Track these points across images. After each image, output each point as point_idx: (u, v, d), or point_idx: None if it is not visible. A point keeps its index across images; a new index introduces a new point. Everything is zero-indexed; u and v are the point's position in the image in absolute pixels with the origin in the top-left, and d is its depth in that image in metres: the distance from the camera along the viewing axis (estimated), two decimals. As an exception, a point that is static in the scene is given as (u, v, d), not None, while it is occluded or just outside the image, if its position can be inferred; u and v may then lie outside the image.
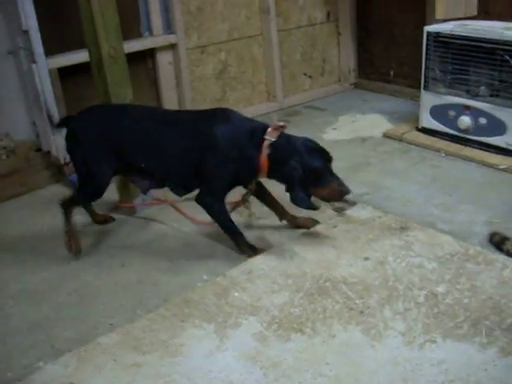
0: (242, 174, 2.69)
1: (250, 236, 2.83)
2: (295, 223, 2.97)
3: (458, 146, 3.74)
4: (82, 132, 2.78)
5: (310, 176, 2.60)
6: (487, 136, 3.61)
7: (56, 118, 3.30)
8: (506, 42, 3.35)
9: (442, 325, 2.18)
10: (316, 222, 2.97)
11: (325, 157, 2.66)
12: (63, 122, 2.93)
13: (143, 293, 2.56)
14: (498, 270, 2.46)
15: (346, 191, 2.67)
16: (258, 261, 2.66)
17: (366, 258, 2.62)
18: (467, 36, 3.55)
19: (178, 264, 2.76)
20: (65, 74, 3.60)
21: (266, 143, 2.61)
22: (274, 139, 2.62)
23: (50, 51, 3.43)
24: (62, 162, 3.58)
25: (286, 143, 2.63)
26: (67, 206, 2.87)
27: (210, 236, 2.96)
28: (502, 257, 2.56)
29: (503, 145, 3.55)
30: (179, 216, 3.13)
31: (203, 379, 2.00)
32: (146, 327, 2.28)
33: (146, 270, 2.73)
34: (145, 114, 2.82)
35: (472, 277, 2.44)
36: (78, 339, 2.28)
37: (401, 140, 3.96)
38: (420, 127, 3.99)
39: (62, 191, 3.44)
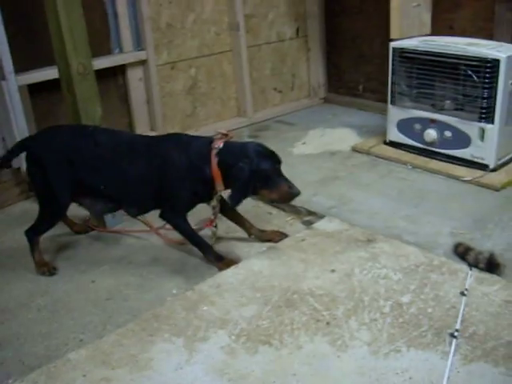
0: (199, 188, 2.76)
1: (219, 250, 2.88)
2: (262, 237, 3.01)
3: (424, 158, 3.82)
4: (44, 154, 2.78)
5: (259, 178, 2.66)
6: (452, 149, 3.69)
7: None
8: (468, 58, 3.44)
9: (407, 334, 2.22)
10: (283, 235, 3.01)
11: (273, 159, 2.73)
12: (19, 146, 2.91)
13: (113, 308, 2.57)
14: (462, 280, 2.52)
15: (296, 193, 2.73)
16: (226, 275, 2.69)
17: (333, 271, 2.66)
18: (431, 52, 3.63)
19: (148, 279, 2.78)
20: (35, 91, 3.60)
21: (213, 153, 2.68)
22: (220, 147, 2.69)
23: (19, 68, 3.44)
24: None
25: (232, 149, 2.71)
26: (32, 234, 2.89)
27: (180, 251, 2.99)
28: (465, 267, 2.62)
29: (468, 157, 3.63)
30: (150, 232, 3.16)
31: (172, 393, 2.03)
32: (115, 342, 2.28)
33: (116, 285, 2.75)
34: (104, 137, 2.85)
35: (436, 287, 2.49)
36: (47, 355, 2.29)
37: (369, 153, 4.03)
38: (387, 141, 4.06)
39: (33, 208, 3.44)
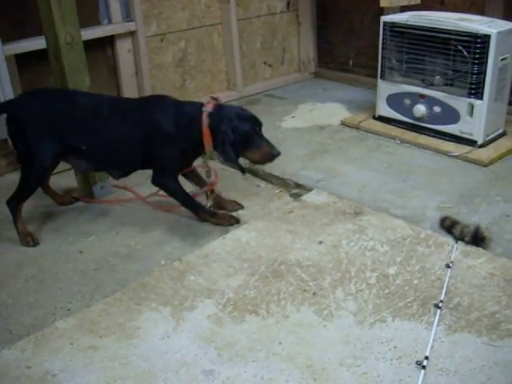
0: (189, 149, 2.81)
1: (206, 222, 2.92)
2: (220, 204, 3.06)
3: (413, 133, 3.82)
4: (24, 115, 2.78)
5: (241, 140, 2.72)
6: (441, 124, 3.70)
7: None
8: (459, 33, 3.43)
9: (392, 305, 2.25)
10: (239, 206, 3.07)
11: (254, 122, 2.79)
12: (1, 107, 2.93)
13: (101, 279, 2.58)
14: (447, 253, 2.54)
15: (276, 153, 2.78)
16: (214, 245, 2.70)
17: (321, 242, 2.68)
18: (422, 26, 3.62)
19: (136, 250, 2.78)
20: (22, 61, 3.56)
21: (204, 114, 2.74)
22: (210, 110, 2.75)
23: (6, 38, 3.39)
24: (20, 149, 3.57)
25: (220, 111, 2.76)
26: (14, 203, 2.89)
27: (168, 223, 2.99)
28: (451, 240, 2.64)
29: (457, 133, 3.64)
30: (138, 203, 3.16)
31: (159, 360, 2.04)
32: (102, 311, 2.30)
33: (104, 256, 2.75)
34: (86, 99, 2.88)
35: (422, 259, 2.52)
36: (35, 324, 2.30)
37: (358, 128, 4.03)
38: (377, 115, 4.06)
39: (20, 179, 3.44)
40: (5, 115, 2.85)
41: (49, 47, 3.01)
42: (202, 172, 3.00)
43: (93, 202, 3.23)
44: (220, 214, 2.93)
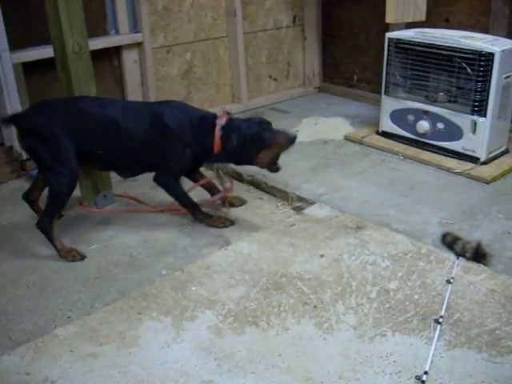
0: (198, 156, 2.92)
1: (209, 232, 2.96)
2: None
3: (416, 149, 3.83)
4: (42, 126, 2.74)
5: (254, 143, 2.82)
6: (444, 141, 3.71)
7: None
8: (463, 50, 3.45)
9: (393, 319, 2.25)
10: (243, 202, 3.26)
11: (261, 123, 2.89)
12: (12, 120, 2.91)
13: (102, 287, 2.58)
14: (448, 269, 2.54)
15: (293, 136, 2.85)
16: (216, 256, 2.71)
17: (322, 255, 2.68)
18: (427, 43, 3.64)
19: (138, 260, 2.79)
20: (29, 69, 3.59)
21: (218, 127, 2.85)
22: (223, 123, 2.86)
23: (15, 46, 3.42)
24: (24, 157, 3.58)
25: (232, 124, 2.87)
26: (46, 221, 2.80)
27: (170, 233, 3.00)
28: (452, 256, 2.64)
29: (459, 149, 3.65)
30: (140, 213, 3.17)
31: (158, 370, 2.04)
32: (103, 319, 2.30)
33: (105, 265, 2.75)
34: (96, 103, 2.91)
35: (423, 274, 2.52)
36: (35, 331, 2.30)
37: (361, 143, 4.04)
38: (380, 131, 4.08)
39: (24, 186, 3.44)
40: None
41: (56, 56, 3.03)
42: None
43: (91, 211, 3.23)
44: (215, 217, 3.04)
